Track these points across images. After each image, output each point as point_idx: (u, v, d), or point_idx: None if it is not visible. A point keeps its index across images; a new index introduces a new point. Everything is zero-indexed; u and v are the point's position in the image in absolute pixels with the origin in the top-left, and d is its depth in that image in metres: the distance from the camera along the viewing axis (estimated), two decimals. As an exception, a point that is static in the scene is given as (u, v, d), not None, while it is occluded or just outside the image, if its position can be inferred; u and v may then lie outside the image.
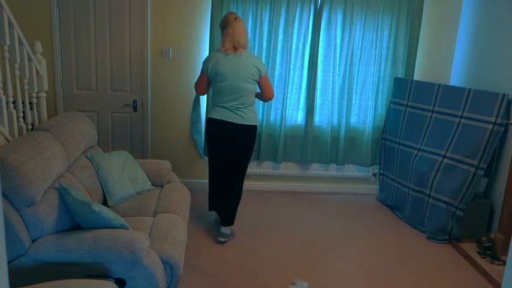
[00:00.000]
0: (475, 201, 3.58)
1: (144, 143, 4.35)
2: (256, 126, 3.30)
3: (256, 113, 3.33)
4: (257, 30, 4.09)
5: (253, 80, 3.20)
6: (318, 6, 4.11)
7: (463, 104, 3.59)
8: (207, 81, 3.28)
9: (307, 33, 4.17)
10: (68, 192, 2.37)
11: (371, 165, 4.52)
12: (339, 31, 4.19)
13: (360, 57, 4.26)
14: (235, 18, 3.18)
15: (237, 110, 3.20)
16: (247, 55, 3.19)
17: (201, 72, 3.32)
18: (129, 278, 2.25)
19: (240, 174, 3.40)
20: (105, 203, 3.02)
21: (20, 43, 2.94)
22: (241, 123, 3.21)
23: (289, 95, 4.28)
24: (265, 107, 4.27)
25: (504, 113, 3.36)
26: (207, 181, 4.47)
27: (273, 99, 4.22)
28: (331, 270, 3.09)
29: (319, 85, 4.28)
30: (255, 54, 4.13)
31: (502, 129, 3.40)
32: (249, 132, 3.27)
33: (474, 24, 4.11)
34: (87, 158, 3.11)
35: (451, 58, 4.41)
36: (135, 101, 4.23)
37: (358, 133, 4.44)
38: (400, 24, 4.19)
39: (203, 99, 4.27)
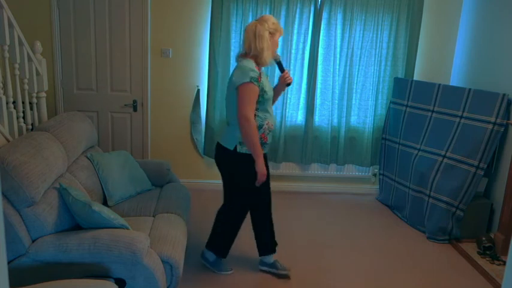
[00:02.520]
0: (475, 201, 3.58)
1: (144, 143, 4.35)
2: (228, 149, 2.70)
3: (234, 135, 2.69)
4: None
5: (233, 92, 2.65)
6: (318, 6, 4.11)
7: (463, 104, 3.59)
8: None
9: (307, 33, 4.17)
10: (68, 192, 2.37)
11: (371, 165, 4.52)
12: (339, 31, 4.19)
13: (360, 57, 4.25)
14: (256, 20, 2.75)
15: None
16: (241, 62, 2.69)
17: None
18: (129, 278, 2.25)
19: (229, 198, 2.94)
20: (105, 203, 3.02)
21: (20, 43, 2.94)
22: (218, 140, 2.83)
23: (289, 95, 4.28)
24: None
25: (504, 113, 3.36)
26: (207, 181, 4.50)
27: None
28: (331, 270, 3.09)
29: (319, 85, 4.28)
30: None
31: (502, 129, 3.40)
32: (221, 153, 2.78)
33: (474, 24, 4.11)
34: (87, 158, 3.11)
35: (451, 58, 4.41)
36: (135, 101, 4.23)
37: (358, 133, 4.44)
38: (400, 24, 4.19)
39: (203, 99, 4.27)
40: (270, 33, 2.68)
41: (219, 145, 2.80)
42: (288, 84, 2.83)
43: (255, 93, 2.60)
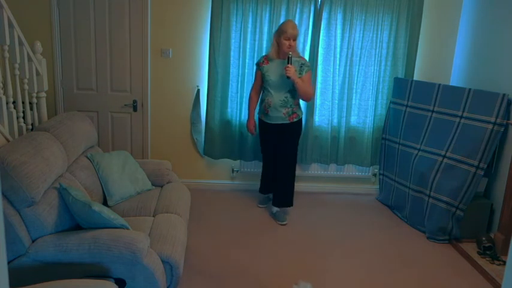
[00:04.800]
0: (475, 201, 3.58)
1: (144, 143, 4.35)
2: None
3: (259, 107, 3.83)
4: (257, 30, 4.09)
5: None
6: (318, 6, 4.11)
7: (463, 104, 3.59)
8: None
9: (307, 33, 4.17)
10: (68, 192, 2.37)
11: (371, 165, 4.52)
12: (339, 31, 4.19)
13: (360, 57, 4.25)
14: None
15: None
16: None
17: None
18: (129, 278, 2.25)
19: None
20: (105, 203, 3.03)
21: (20, 43, 2.94)
22: None
23: (289, 95, 4.28)
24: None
25: (504, 113, 3.36)
26: (207, 181, 4.51)
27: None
28: (331, 270, 3.09)
29: (319, 85, 4.28)
30: (258, 55, 4.14)
31: (502, 129, 3.40)
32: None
33: (474, 24, 4.11)
34: (87, 158, 3.11)
35: (451, 58, 4.41)
36: (135, 101, 4.23)
37: (358, 133, 4.43)
38: (400, 24, 4.19)
39: (203, 99, 4.27)
40: (278, 35, 3.55)
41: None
42: (288, 77, 3.47)
43: (256, 74, 3.78)
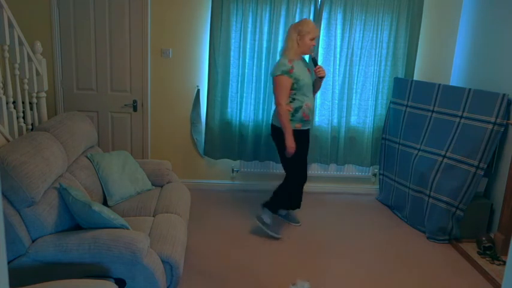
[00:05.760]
0: (475, 201, 3.58)
1: (144, 143, 4.35)
2: (275, 126, 3.40)
3: (276, 115, 3.37)
4: (257, 30, 4.09)
5: (271, 82, 3.58)
6: (318, 6, 4.11)
7: (463, 104, 3.59)
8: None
9: (307, 33, 4.16)
10: (68, 192, 2.37)
11: (371, 165, 4.52)
12: (339, 31, 4.19)
13: (360, 57, 4.25)
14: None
15: None
16: (279, 58, 3.39)
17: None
18: (129, 278, 2.25)
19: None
20: (105, 203, 3.03)
21: (20, 43, 2.94)
22: (272, 121, 3.51)
23: (289, 95, 4.27)
24: (265, 107, 4.26)
25: (504, 113, 3.36)
26: (207, 181, 4.51)
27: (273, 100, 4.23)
28: (331, 270, 3.09)
29: (319, 85, 4.28)
30: (258, 55, 4.15)
31: (502, 129, 3.40)
32: (273, 130, 3.46)
33: (474, 24, 4.11)
34: (87, 158, 3.11)
35: (451, 58, 4.41)
36: (135, 101, 4.23)
37: (358, 133, 4.43)
38: (400, 24, 4.19)
39: (203, 99, 4.27)
40: (299, 34, 3.29)
41: (271, 125, 3.47)
42: (321, 78, 3.39)
43: (285, 84, 3.27)
